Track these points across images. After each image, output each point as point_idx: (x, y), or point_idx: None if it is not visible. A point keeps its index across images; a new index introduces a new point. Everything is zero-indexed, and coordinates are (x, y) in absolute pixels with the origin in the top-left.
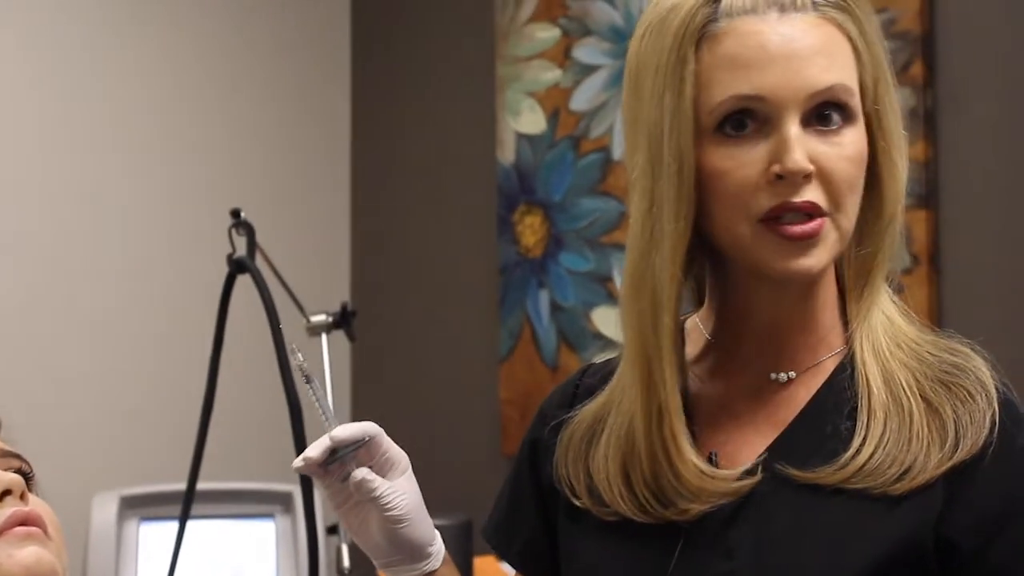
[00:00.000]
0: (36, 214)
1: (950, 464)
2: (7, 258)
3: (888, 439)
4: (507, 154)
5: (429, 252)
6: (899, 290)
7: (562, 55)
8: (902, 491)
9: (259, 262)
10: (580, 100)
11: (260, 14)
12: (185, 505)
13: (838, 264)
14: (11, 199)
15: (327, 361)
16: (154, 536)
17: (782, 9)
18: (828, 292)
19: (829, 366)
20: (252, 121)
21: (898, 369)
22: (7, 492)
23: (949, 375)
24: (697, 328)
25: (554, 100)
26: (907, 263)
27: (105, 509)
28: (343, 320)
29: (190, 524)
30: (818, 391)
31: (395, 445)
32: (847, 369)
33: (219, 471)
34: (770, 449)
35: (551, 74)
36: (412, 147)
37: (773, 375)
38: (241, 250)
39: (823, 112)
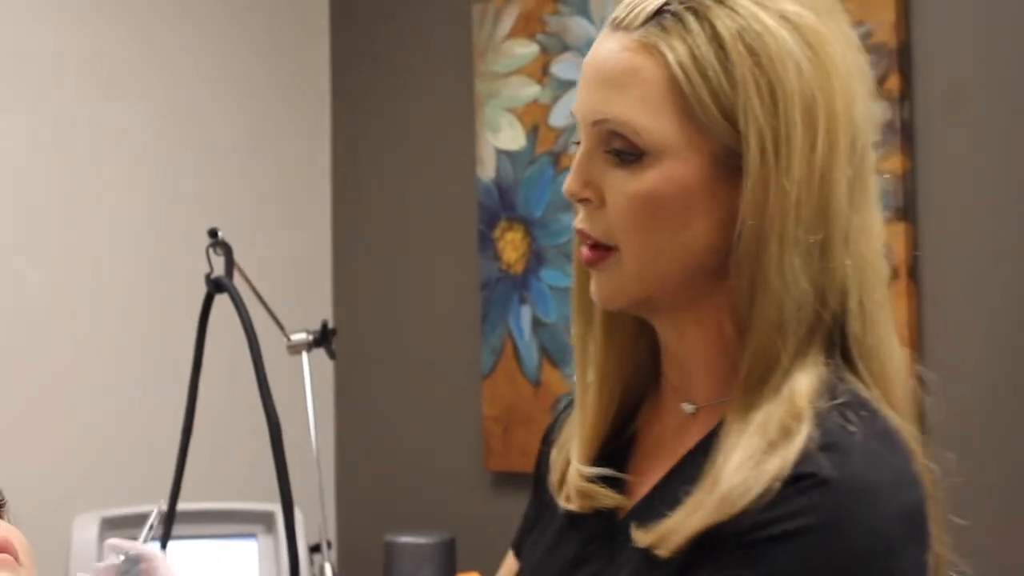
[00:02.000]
0: (10, 237)
1: (713, 522)
2: None
3: (696, 513)
4: (487, 170)
5: (410, 269)
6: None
7: (540, 71)
8: (675, 552)
9: (238, 281)
10: (559, 116)
11: (238, 31)
12: (166, 526)
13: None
14: None
15: (308, 380)
16: None
17: (613, 26)
18: (709, 333)
19: (719, 413)
20: (231, 139)
21: (749, 441)
22: None
23: (777, 440)
24: None
25: (533, 116)
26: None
27: (86, 530)
28: (324, 338)
29: (172, 545)
30: (692, 448)
31: (176, 572)
32: (718, 432)
33: (200, 491)
34: (637, 504)
35: (530, 90)
36: (392, 164)
37: (684, 405)
38: (219, 270)
39: (609, 141)
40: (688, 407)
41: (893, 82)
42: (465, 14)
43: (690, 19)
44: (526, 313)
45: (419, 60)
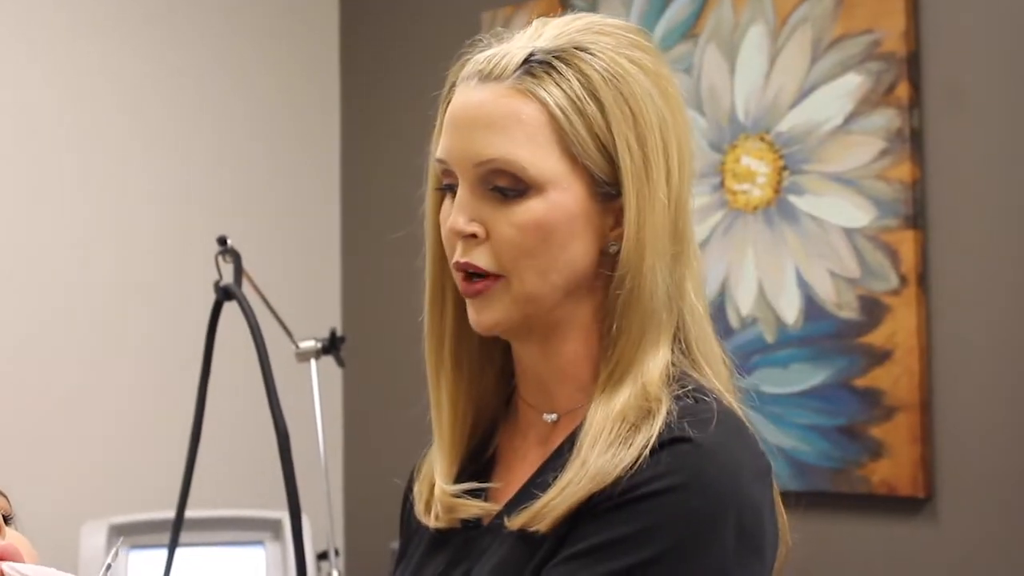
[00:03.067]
0: (21, 244)
1: (583, 494)
2: None
3: (567, 490)
4: None
5: (419, 277)
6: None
7: None
8: (548, 528)
9: (247, 289)
10: None
11: (250, 43)
12: (174, 532)
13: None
14: None
15: (316, 387)
16: (143, 564)
17: (481, 77)
18: (578, 351)
19: (582, 413)
20: (241, 147)
21: (612, 426)
22: None
23: (638, 418)
24: None
25: None
26: (894, 284)
27: (94, 537)
28: (332, 346)
29: (179, 552)
30: (558, 446)
31: None
32: (581, 428)
33: (208, 498)
34: (507, 504)
35: None
36: (401, 172)
37: (544, 415)
38: (228, 277)
39: (492, 180)
40: (550, 417)
41: (902, 90)
42: (474, 22)
43: (559, 65)
44: None
45: (428, 68)
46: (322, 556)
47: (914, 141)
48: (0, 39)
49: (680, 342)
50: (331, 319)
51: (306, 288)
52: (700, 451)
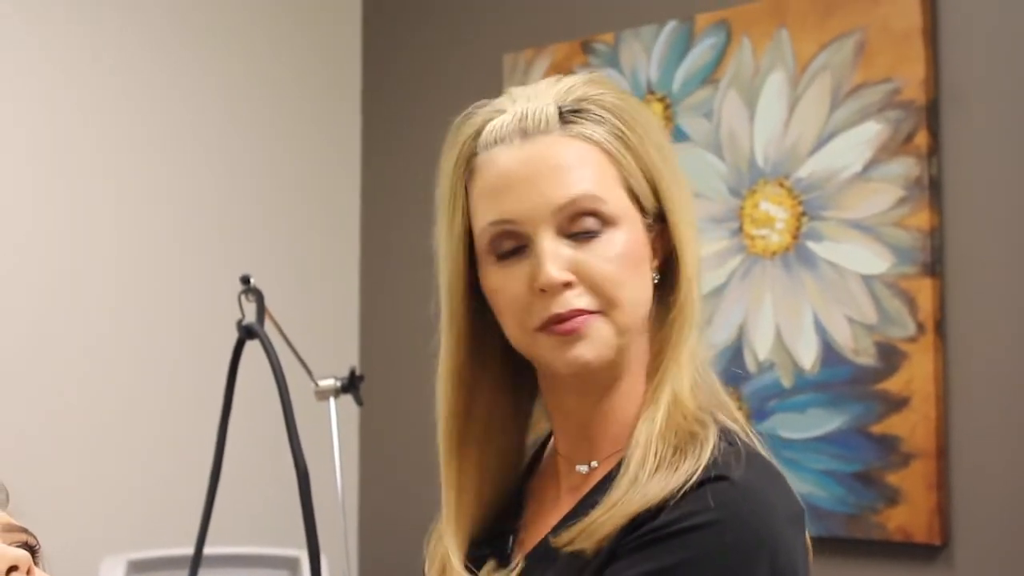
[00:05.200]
0: (44, 278)
1: (632, 511)
2: (13, 321)
3: (616, 505)
4: None
5: (438, 316)
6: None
7: None
8: (596, 547)
9: (268, 328)
10: None
11: (272, 86)
12: (192, 569)
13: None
14: (17, 264)
15: (335, 425)
16: None
17: (524, 135)
18: (632, 383)
19: (624, 453)
20: (262, 187)
21: (658, 444)
22: (13, 568)
23: (683, 441)
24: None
25: None
26: (911, 331)
27: (113, 573)
28: (351, 385)
29: None
30: (604, 475)
31: None
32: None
33: (227, 536)
34: (552, 529)
35: None
36: (422, 212)
37: (579, 467)
38: (250, 316)
39: (576, 222)
40: (583, 468)
41: (921, 138)
42: (496, 64)
43: (590, 108)
44: None
45: (450, 108)
46: None
47: (932, 189)
48: (24, 77)
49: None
50: (349, 358)
51: (324, 327)
52: (739, 491)
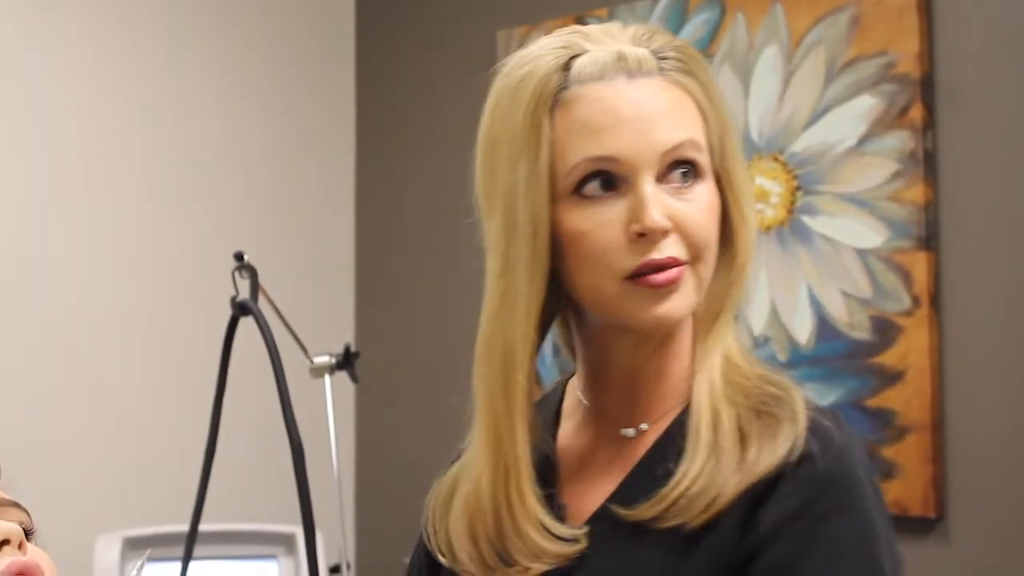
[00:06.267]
0: (35, 259)
1: (746, 485)
2: (11, 303)
3: (702, 474)
4: None
5: (432, 293)
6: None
7: None
8: (705, 520)
9: (262, 304)
10: None
11: (265, 60)
12: (188, 546)
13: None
14: (11, 245)
15: (330, 403)
16: None
17: (629, 75)
18: (683, 342)
19: (675, 413)
20: (256, 164)
21: (724, 407)
22: (5, 542)
23: (765, 405)
24: (574, 385)
25: None
26: (906, 305)
27: (109, 550)
28: (346, 362)
29: (193, 565)
30: (659, 438)
31: None
32: (686, 413)
33: (222, 512)
34: (610, 497)
35: None
36: (416, 189)
37: (624, 430)
38: (244, 293)
39: (675, 170)
40: (629, 431)
41: (916, 112)
42: (490, 41)
43: (680, 58)
44: (548, 338)
45: (444, 86)
46: (334, 570)
47: (927, 163)
48: (17, 53)
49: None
50: (344, 335)
51: (319, 304)
52: (848, 457)
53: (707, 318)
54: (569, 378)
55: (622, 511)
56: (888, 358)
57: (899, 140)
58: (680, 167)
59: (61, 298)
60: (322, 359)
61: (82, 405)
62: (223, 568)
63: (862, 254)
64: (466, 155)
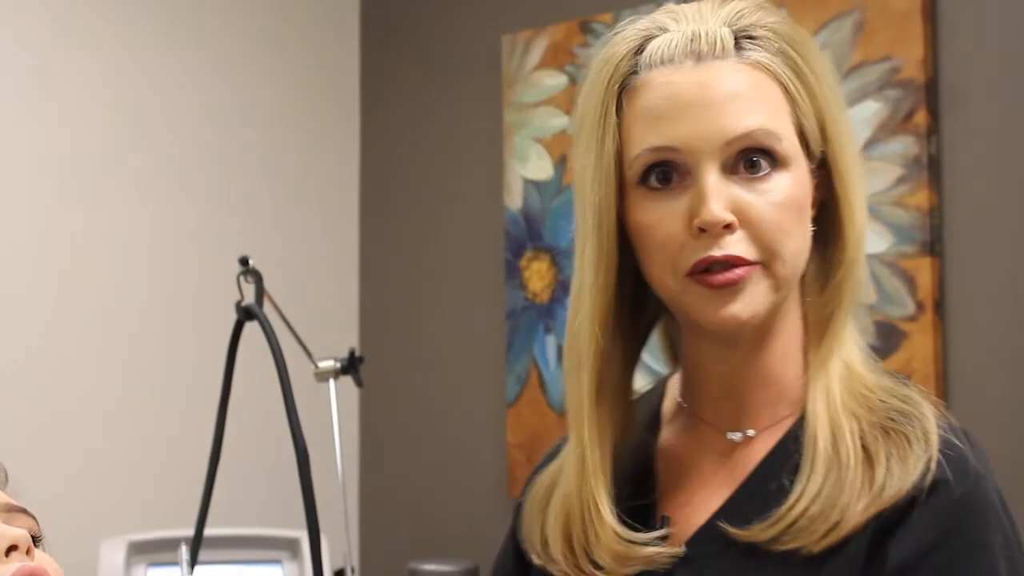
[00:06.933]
0: (39, 264)
1: (874, 511)
2: (15, 306)
3: (822, 494)
4: (514, 200)
5: (437, 297)
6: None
7: (569, 102)
8: (828, 545)
9: (267, 309)
10: None
11: (270, 64)
12: (193, 550)
13: (803, 315)
14: (14, 249)
15: (335, 407)
16: None
17: (698, 58)
18: (787, 345)
19: (789, 422)
20: (260, 168)
21: (846, 420)
22: (13, 547)
23: (893, 421)
24: (674, 386)
25: (561, 146)
26: (911, 310)
27: (113, 554)
28: (351, 366)
29: (198, 569)
30: (772, 449)
31: None
32: (801, 424)
33: (227, 517)
34: (719, 511)
35: (558, 120)
36: (420, 192)
37: (729, 434)
38: (249, 297)
39: (748, 158)
40: (736, 435)
41: (921, 117)
42: (494, 45)
43: (767, 36)
44: (551, 342)
45: (448, 90)
46: (339, 574)
47: (932, 168)
48: (17, 56)
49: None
50: (348, 339)
51: (323, 308)
52: (985, 482)
53: (820, 320)
54: (668, 378)
55: (733, 530)
56: (892, 363)
57: (903, 145)
58: (752, 155)
59: (65, 304)
60: (327, 363)
61: (86, 409)
62: (228, 573)
63: (867, 259)
64: (472, 157)
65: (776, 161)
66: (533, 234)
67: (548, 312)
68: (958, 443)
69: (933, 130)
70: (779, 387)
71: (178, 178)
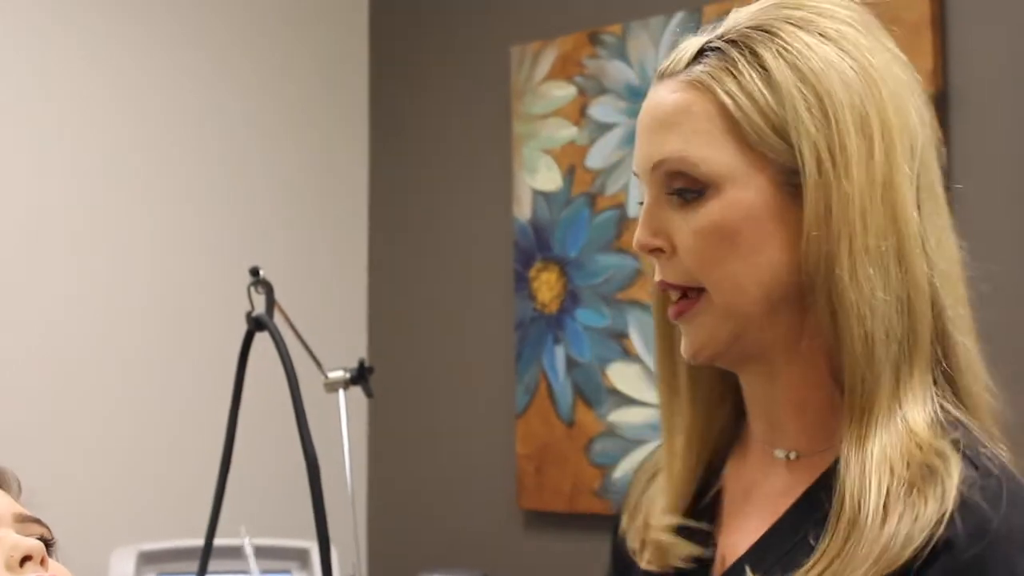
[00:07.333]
0: (53, 270)
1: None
2: (26, 315)
3: (838, 557)
4: (524, 211)
5: (446, 307)
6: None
7: (578, 113)
8: None
9: (277, 319)
10: (596, 158)
11: (279, 73)
12: (203, 561)
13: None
14: (25, 259)
15: (344, 417)
16: None
17: (660, 75)
18: (805, 372)
19: (830, 457)
20: (270, 179)
21: (876, 477)
22: (28, 558)
23: (921, 478)
24: None
25: (570, 157)
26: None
27: (123, 564)
28: (361, 376)
29: None
30: (807, 490)
31: None
32: (835, 470)
33: (237, 527)
34: (748, 553)
35: (567, 131)
36: (429, 203)
37: (776, 452)
38: (260, 308)
39: (672, 183)
40: (780, 453)
41: None
42: (503, 56)
43: (731, 50)
44: (560, 353)
45: (457, 101)
46: None
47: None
48: (22, 57)
49: (943, 375)
50: (357, 349)
51: (332, 319)
52: (1004, 542)
53: (848, 369)
54: None
55: (748, 569)
56: None
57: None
58: (676, 181)
59: (77, 313)
60: (336, 374)
61: (97, 419)
62: None
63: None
64: (481, 168)
65: (702, 186)
66: (542, 245)
67: (557, 323)
68: (979, 500)
69: (943, 141)
70: (811, 416)
71: (189, 190)
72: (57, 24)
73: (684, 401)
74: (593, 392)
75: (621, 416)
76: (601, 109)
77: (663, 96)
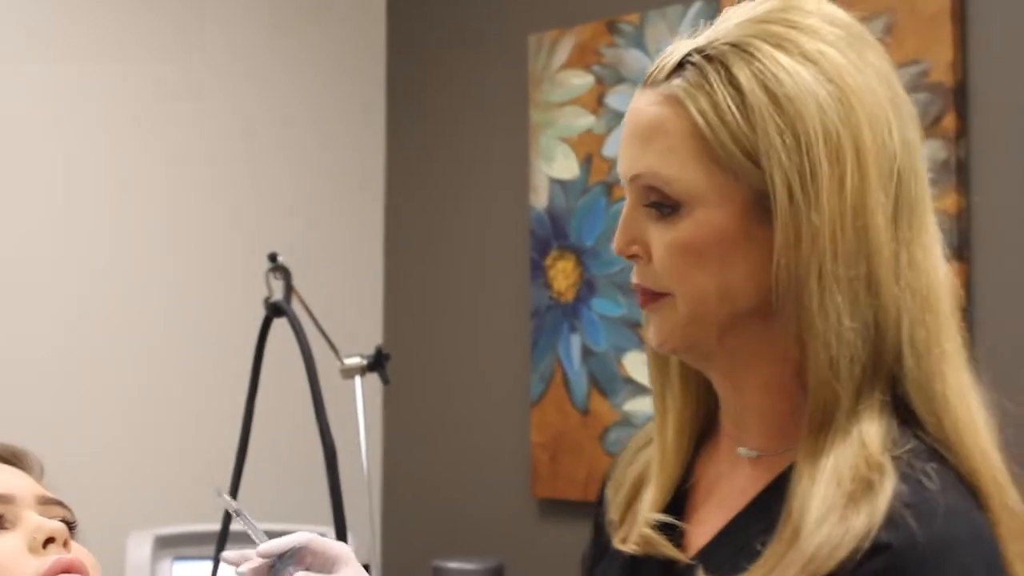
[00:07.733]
0: (72, 258)
1: None
2: (44, 301)
3: (779, 569)
4: (540, 199)
5: (462, 296)
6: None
7: (595, 101)
8: None
9: (295, 305)
10: (613, 146)
11: (298, 62)
12: (219, 545)
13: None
14: (46, 246)
15: (360, 404)
16: (188, 575)
17: (644, 83)
18: (770, 379)
19: (790, 457)
20: (288, 166)
21: (822, 488)
22: (51, 540)
23: (860, 492)
24: None
25: (587, 146)
26: None
27: (140, 548)
28: (377, 363)
29: (223, 565)
30: (760, 493)
31: (333, 542)
32: (790, 475)
33: (253, 513)
34: (702, 550)
35: (584, 120)
36: (446, 191)
37: (740, 449)
38: (278, 294)
39: (647, 195)
40: (744, 451)
41: (949, 121)
42: (521, 44)
43: (708, 68)
44: (576, 341)
45: (475, 89)
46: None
47: (960, 172)
48: (49, 60)
49: (907, 392)
50: (373, 336)
51: (349, 305)
52: (926, 555)
53: (808, 383)
54: None
55: (699, 570)
56: None
57: (932, 149)
58: (650, 195)
59: (93, 299)
60: (353, 360)
61: (114, 405)
62: None
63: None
64: (498, 156)
65: (673, 203)
66: (559, 233)
67: (573, 311)
68: (909, 519)
69: (961, 134)
70: (771, 421)
71: (209, 178)
72: (75, 12)
73: (676, 391)
74: (608, 381)
75: (636, 405)
76: (618, 98)
77: (643, 108)
